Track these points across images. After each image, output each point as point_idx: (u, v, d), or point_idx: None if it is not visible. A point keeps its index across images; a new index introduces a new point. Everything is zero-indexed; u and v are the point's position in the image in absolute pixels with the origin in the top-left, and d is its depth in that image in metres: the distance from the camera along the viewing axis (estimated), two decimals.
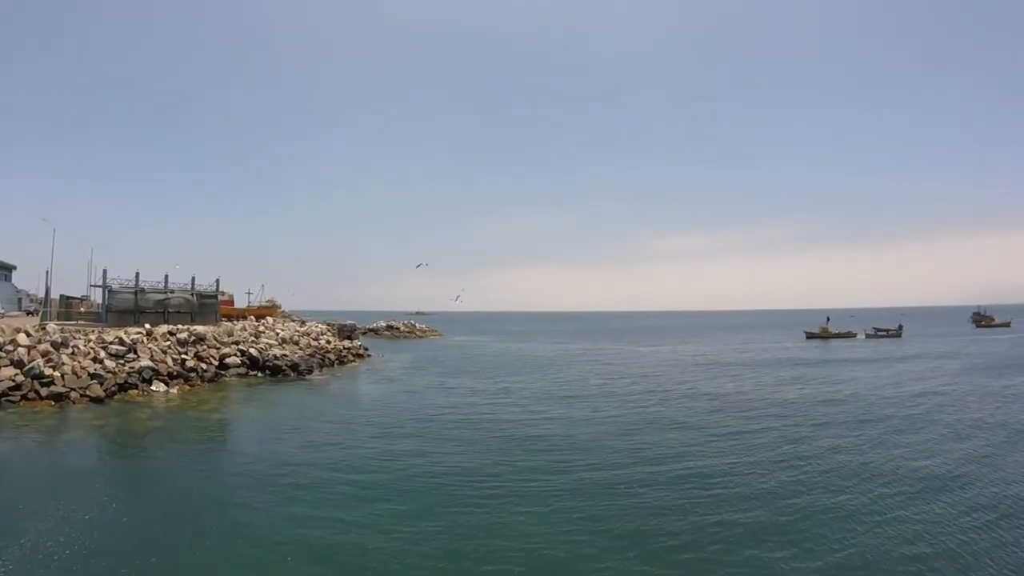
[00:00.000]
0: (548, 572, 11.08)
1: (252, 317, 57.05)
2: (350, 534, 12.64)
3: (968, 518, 13.41)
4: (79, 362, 31.27)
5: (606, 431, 23.61)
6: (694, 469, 17.75)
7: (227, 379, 38.07)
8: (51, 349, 31.05)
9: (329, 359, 49.94)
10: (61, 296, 48.63)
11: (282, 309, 70.36)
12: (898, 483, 16.19)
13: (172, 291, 47.43)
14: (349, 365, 51.77)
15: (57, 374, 29.49)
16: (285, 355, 44.22)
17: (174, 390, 32.85)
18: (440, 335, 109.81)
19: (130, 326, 39.87)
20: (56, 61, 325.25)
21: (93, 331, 36.29)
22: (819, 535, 12.55)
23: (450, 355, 66.37)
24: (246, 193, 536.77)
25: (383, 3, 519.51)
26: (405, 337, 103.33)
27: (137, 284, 45.38)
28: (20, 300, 60.02)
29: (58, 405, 27.55)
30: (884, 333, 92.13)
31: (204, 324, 45.12)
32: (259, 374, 40.85)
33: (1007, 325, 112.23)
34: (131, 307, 44.49)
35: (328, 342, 55.23)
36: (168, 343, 37.55)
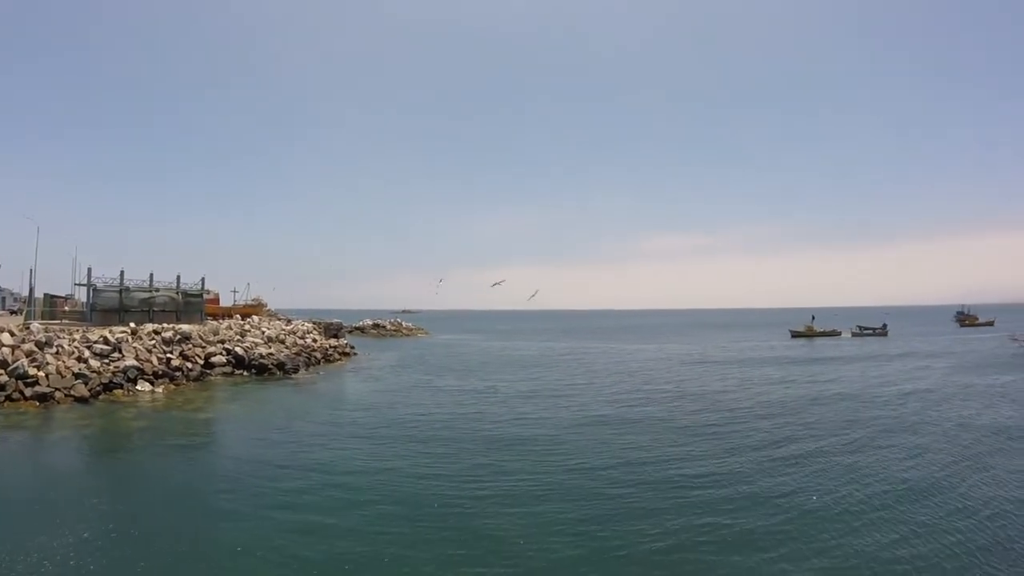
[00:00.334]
0: (535, 574, 11.29)
1: (238, 316, 56.99)
2: (335, 537, 12.78)
3: (955, 518, 13.48)
4: (63, 362, 31.23)
5: (592, 431, 23.84)
6: (679, 470, 17.85)
7: (213, 378, 38.12)
8: (35, 349, 30.99)
9: (315, 358, 50.04)
10: (45, 295, 48.35)
11: (268, 308, 70.26)
12: (886, 483, 16.37)
13: (157, 290, 47.28)
14: (335, 364, 51.89)
15: (41, 374, 29.47)
16: (271, 354, 44.29)
17: (159, 390, 32.90)
18: (427, 333, 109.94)
19: (115, 325, 39.77)
20: (43, 59, 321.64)
21: (77, 330, 36.21)
22: (807, 536, 12.69)
23: (436, 353, 66.61)
24: (230, 192, 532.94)
25: (382, 3, 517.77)
26: (392, 336, 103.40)
27: (122, 283, 45.22)
28: (4, 299, 59.70)
29: (43, 405, 27.56)
30: (870, 332, 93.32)
31: (189, 323, 45.08)
32: (245, 373, 40.92)
33: (990, 324, 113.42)
34: (116, 306, 44.33)
35: (314, 341, 55.28)
36: (153, 342, 37.53)
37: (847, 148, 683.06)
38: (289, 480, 16.93)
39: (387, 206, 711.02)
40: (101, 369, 32.00)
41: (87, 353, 32.87)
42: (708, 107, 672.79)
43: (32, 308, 43.01)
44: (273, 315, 67.01)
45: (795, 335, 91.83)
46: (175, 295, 48.11)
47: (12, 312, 53.24)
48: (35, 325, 34.20)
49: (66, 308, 48.02)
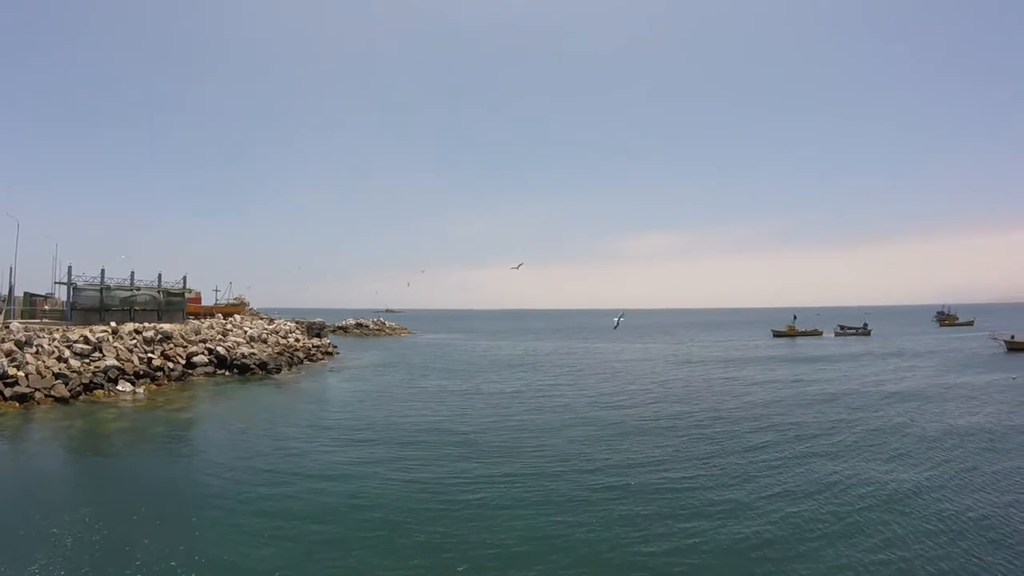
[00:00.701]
0: (522, 563, 11.55)
1: (220, 315, 56.88)
2: (318, 540, 12.97)
3: (939, 522, 13.71)
4: (43, 361, 31.16)
5: (575, 431, 24.01)
6: (664, 473, 17.72)
7: (194, 378, 38.12)
8: (15, 348, 30.84)
9: (298, 357, 50.10)
10: (25, 294, 47.81)
11: (250, 307, 70.09)
12: (868, 484, 16.44)
13: (138, 288, 47.02)
14: (318, 363, 51.97)
15: (21, 374, 29.37)
16: (253, 353, 44.34)
17: (140, 390, 32.90)
18: (410, 333, 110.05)
19: (95, 324, 39.65)
20: (25, 56, 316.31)
21: (57, 329, 36.06)
22: (791, 538, 12.91)
23: (420, 353, 66.85)
24: (214, 191, 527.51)
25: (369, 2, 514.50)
26: (374, 335, 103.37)
27: (102, 281, 44.92)
28: None
29: (23, 406, 27.50)
30: (852, 331, 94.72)
31: (171, 322, 45.02)
32: (227, 373, 40.98)
33: (970, 324, 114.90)
34: (96, 305, 44.06)
35: (297, 340, 55.32)
36: (134, 342, 37.46)
37: (831, 150, 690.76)
38: (270, 483, 17.04)
39: (370, 205, 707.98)
40: (81, 369, 31.94)
41: (67, 353, 32.79)
42: (693, 107, 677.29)
43: (11, 307, 42.60)
44: (255, 314, 66.89)
45: (777, 335, 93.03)
46: (156, 294, 47.88)
47: None
48: (15, 324, 33.99)
49: (46, 307, 47.60)
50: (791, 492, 16.02)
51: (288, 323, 61.84)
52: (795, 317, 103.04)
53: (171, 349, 39.43)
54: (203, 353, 41.19)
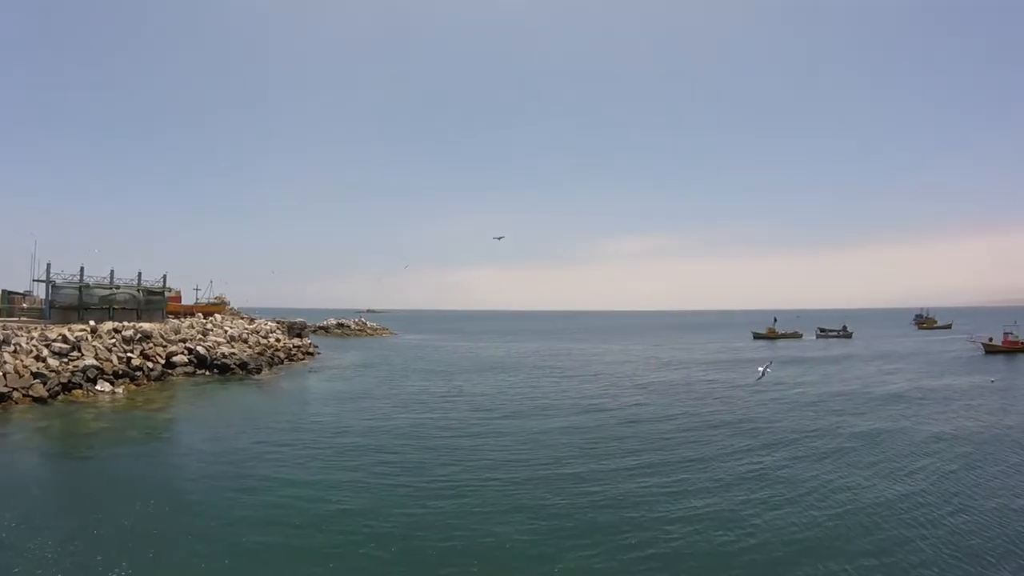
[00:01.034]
0: (504, 571, 11.81)
1: (200, 314, 56.58)
2: (299, 538, 13.18)
3: (922, 527, 13.97)
4: (21, 360, 30.97)
5: (555, 436, 24.09)
6: (645, 478, 17.98)
7: (174, 378, 38.06)
8: None
9: (278, 357, 50.07)
10: (3, 291, 47.30)
11: (231, 306, 69.70)
12: (850, 491, 16.74)
13: (118, 287, 46.71)
14: (298, 363, 51.99)
15: None
16: (233, 353, 44.29)
17: (120, 390, 32.82)
18: (392, 333, 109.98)
19: (74, 323, 39.41)
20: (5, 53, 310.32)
21: (36, 328, 35.79)
22: (773, 529, 13.47)
23: (401, 354, 67.04)
24: (197, 190, 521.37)
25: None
26: (356, 335, 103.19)
27: (82, 279, 44.60)
28: None
29: (0, 406, 27.32)
30: (834, 334, 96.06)
31: (150, 321, 44.77)
32: (207, 373, 40.92)
33: (948, 327, 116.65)
34: (75, 303, 43.74)
35: (277, 340, 55.23)
36: (113, 341, 37.30)
37: (810, 154, 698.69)
38: (248, 488, 17.10)
39: (352, 205, 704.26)
40: (60, 368, 31.80)
41: (46, 352, 32.62)
42: (674, 111, 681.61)
43: None
44: (236, 314, 66.53)
45: (757, 337, 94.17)
46: (136, 292, 47.61)
47: None
48: None
49: (24, 305, 47.08)
50: (773, 498, 16.11)
51: (269, 323, 61.64)
52: (775, 319, 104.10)
53: (151, 348, 39.30)
54: (183, 353, 41.10)
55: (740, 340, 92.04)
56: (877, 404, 31.51)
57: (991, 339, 63.56)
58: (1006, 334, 63.81)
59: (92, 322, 39.37)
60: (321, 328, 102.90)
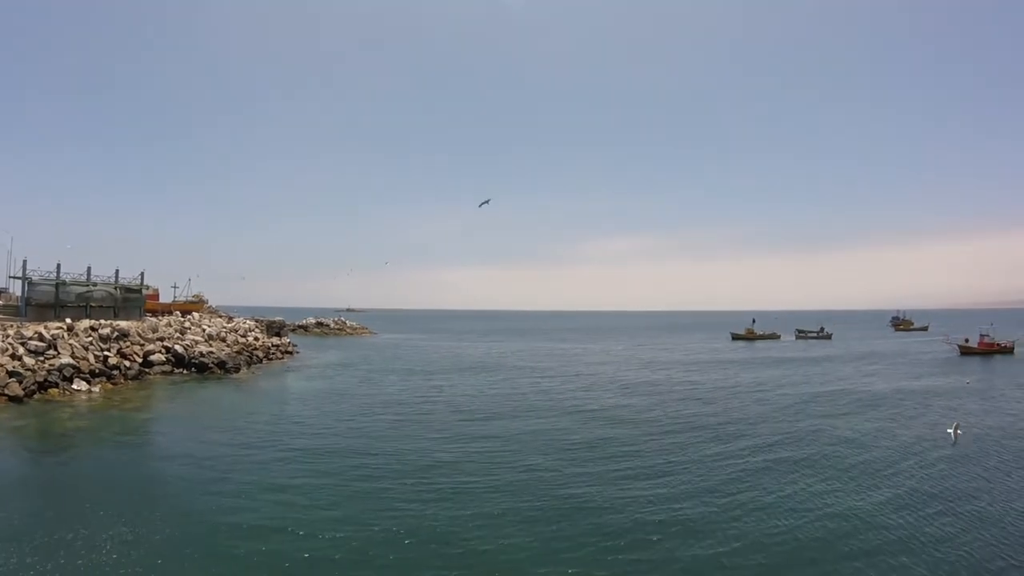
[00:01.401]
0: (486, 573, 12.05)
1: (178, 312, 56.45)
2: (277, 540, 13.33)
3: (907, 531, 14.18)
4: None
5: (536, 439, 24.02)
6: (626, 484, 17.95)
7: (152, 377, 38.06)
8: None
9: (257, 356, 50.11)
10: None
11: (209, 304, 69.50)
12: (832, 495, 16.93)
13: (95, 284, 46.51)
14: (277, 362, 52.07)
15: None
16: (212, 352, 44.27)
17: (96, 389, 32.79)
18: (372, 333, 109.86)
19: (50, 320, 39.23)
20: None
21: (11, 326, 35.65)
22: (753, 530, 13.83)
23: (381, 354, 67.24)
24: (176, 187, 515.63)
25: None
26: (335, 334, 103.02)
27: (58, 276, 44.36)
28: None
29: None
30: (813, 335, 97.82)
31: (128, 319, 44.68)
32: (185, 372, 40.91)
33: (925, 329, 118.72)
34: (52, 300, 43.49)
35: (256, 339, 55.25)
36: (90, 339, 37.20)
37: (791, 158, 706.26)
38: (230, 482, 17.42)
39: (332, 203, 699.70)
40: (36, 367, 31.70)
41: (21, 350, 32.49)
42: (661, 111, 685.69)
43: None
44: (214, 312, 66.39)
45: (736, 338, 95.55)
46: (113, 290, 47.44)
47: None
48: None
49: None
50: (755, 501, 16.31)
51: (247, 321, 61.67)
52: (754, 321, 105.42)
53: (128, 347, 39.22)
54: (161, 351, 41.05)
55: (719, 341, 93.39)
56: (857, 406, 32.12)
57: (967, 340, 65.26)
58: (982, 336, 65.56)
59: (69, 320, 39.27)
60: (300, 327, 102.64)
